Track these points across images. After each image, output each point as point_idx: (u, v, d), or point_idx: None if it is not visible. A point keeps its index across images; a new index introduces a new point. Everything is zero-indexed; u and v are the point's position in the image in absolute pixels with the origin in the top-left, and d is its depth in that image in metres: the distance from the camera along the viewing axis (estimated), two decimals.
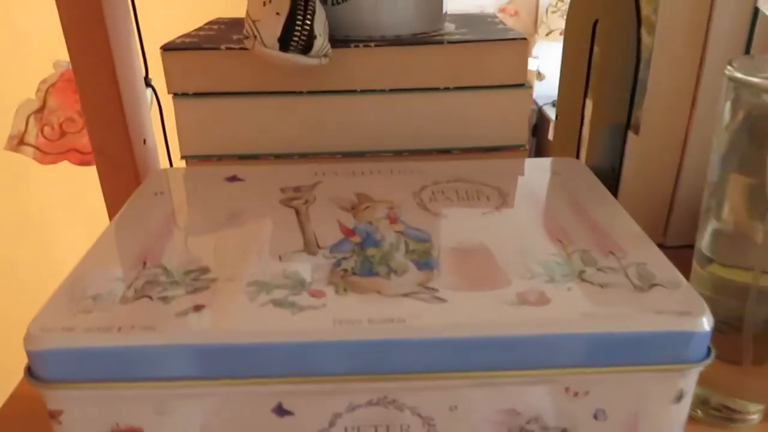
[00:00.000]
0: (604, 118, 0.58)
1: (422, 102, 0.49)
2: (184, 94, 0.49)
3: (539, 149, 1.81)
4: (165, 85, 0.49)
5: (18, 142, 0.70)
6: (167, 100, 0.57)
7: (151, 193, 0.41)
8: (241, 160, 0.50)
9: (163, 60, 0.48)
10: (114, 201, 0.63)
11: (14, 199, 0.98)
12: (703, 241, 0.37)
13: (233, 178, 0.43)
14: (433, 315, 0.28)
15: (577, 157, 0.64)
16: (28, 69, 0.70)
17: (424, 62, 0.48)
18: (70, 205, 1.08)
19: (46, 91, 0.69)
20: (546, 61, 1.83)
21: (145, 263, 0.32)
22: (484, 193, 0.40)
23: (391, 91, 0.48)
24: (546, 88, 1.79)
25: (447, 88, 0.48)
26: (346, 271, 0.31)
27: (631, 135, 0.53)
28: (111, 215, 0.62)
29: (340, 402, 0.28)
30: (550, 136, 2.04)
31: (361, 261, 0.32)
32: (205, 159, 0.50)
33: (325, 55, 0.44)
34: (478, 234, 0.35)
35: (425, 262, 0.32)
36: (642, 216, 0.52)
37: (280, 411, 0.29)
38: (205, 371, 0.27)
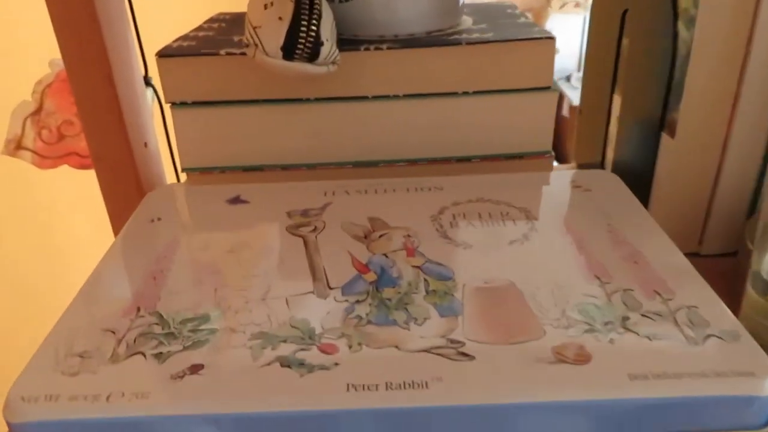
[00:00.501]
0: (635, 116, 0.54)
1: (439, 108, 0.45)
2: (183, 104, 0.45)
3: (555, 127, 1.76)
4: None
5: (15, 147, 0.67)
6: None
7: (146, 220, 0.37)
8: (246, 173, 0.46)
9: (158, 67, 0.45)
10: (116, 209, 0.60)
11: (18, 201, 0.95)
12: (764, 265, 0.33)
13: (236, 200, 0.39)
14: (458, 377, 0.25)
15: (603, 155, 0.60)
16: (22, 69, 0.67)
17: (441, 65, 0.44)
18: (76, 205, 1.06)
19: (42, 92, 0.66)
20: (560, 34, 1.76)
21: (138, 309, 0.29)
22: (511, 216, 0.36)
23: (406, 96, 0.45)
24: (559, 62, 1.74)
25: (466, 93, 0.45)
26: (360, 318, 0.28)
27: (665, 137, 0.49)
28: (113, 224, 0.59)
29: None
30: (565, 111, 1.98)
31: (376, 305, 0.29)
32: (207, 171, 0.47)
33: (333, 62, 0.40)
34: (506, 269, 0.31)
35: (448, 306, 0.29)
36: (676, 223, 0.48)
37: None
38: None
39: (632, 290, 0.29)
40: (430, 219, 0.36)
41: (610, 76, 0.57)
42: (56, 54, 0.65)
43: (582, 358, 0.26)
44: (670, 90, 0.48)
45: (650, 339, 0.26)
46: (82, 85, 0.55)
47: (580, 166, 0.65)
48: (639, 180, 0.52)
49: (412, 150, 0.46)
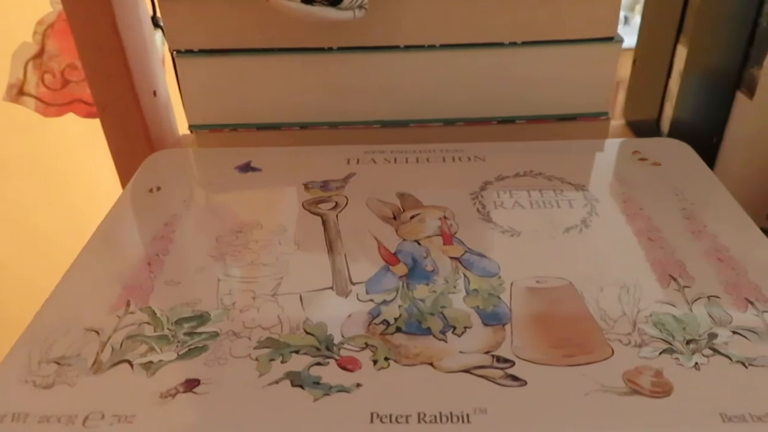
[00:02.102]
0: (703, 70, 0.47)
1: (481, 60, 0.39)
2: (189, 52, 0.40)
3: None
4: None
5: (18, 92, 0.62)
6: None
7: (144, 190, 0.33)
8: (260, 132, 0.41)
9: (161, 10, 0.39)
10: (123, 164, 0.55)
11: (31, 148, 0.91)
12: None
13: (247, 167, 0.34)
14: (506, 409, 0.20)
15: (659, 113, 0.53)
16: (22, 7, 0.62)
17: (484, 10, 0.37)
18: (89, 152, 1.02)
19: (44, 33, 0.60)
20: None
21: (128, 303, 0.25)
22: (566, 196, 0.31)
23: (443, 47, 0.39)
24: None
25: (513, 43, 0.38)
26: (387, 325, 0.24)
27: (740, 97, 0.42)
28: (122, 180, 0.55)
29: None
30: None
31: (407, 308, 0.24)
32: (217, 130, 0.41)
33: (360, 6, 0.34)
34: (562, 264, 0.26)
35: (493, 312, 0.24)
36: (745, 195, 0.42)
37: None
38: None
39: (718, 297, 0.24)
40: (470, 197, 0.31)
41: (676, 22, 0.50)
42: None
43: (660, 389, 0.21)
44: (752, 41, 0.41)
45: (745, 365, 0.21)
46: (82, 26, 0.50)
47: (630, 123, 0.58)
48: (702, 144, 0.46)
49: (448, 109, 0.41)
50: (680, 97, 0.50)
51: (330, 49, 0.39)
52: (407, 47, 0.39)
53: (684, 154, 0.34)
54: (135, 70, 0.51)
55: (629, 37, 0.48)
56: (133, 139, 0.54)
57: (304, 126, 0.41)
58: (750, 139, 0.42)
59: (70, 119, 0.65)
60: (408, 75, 0.40)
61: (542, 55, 0.39)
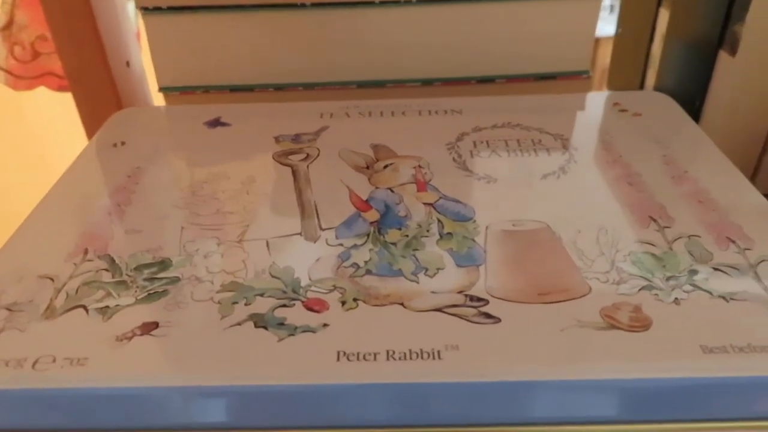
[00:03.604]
0: (686, 33, 0.47)
1: (459, 16, 0.38)
2: (157, 9, 0.38)
3: None
4: None
5: None
6: None
7: (108, 145, 0.32)
8: (232, 93, 0.40)
9: None
10: None
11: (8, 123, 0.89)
12: None
13: (216, 123, 0.33)
14: (479, 345, 0.19)
15: (642, 81, 0.53)
16: None
17: None
18: (61, 127, 0.99)
19: (12, 3, 0.59)
20: None
21: (86, 251, 0.24)
22: (544, 144, 0.30)
23: (419, 2, 0.38)
24: None
25: None
26: (357, 267, 0.23)
27: (723, 55, 0.42)
28: None
29: None
30: None
31: (377, 251, 0.23)
32: (188, 92, 0.40)
33: None
34: (539, 209, 0.25)
35: (467, 254, 0.23)
36: (729, 153, 0.42)
37: None
38: (155, 425, 0.19)
39: (699, 237, 0.23)
40: (446, 147, 0.30)
41: None
42: None
43: (639, 323, 0.20)
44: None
45: (726, 300, 0.21)
46: None
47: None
48: (687, 107, 0.45)
49: (425, 68, 0.40)
50: (663, 61, 0.50)
51: (303, 5, 0.38)
52: (382, 2, 0.38)
53: (666, 105, 0.33)
54: (106, 39, 0.50)
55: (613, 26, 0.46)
56: (105, 111, 0.52)
57: (278, 87, 0.40)
58: (733, 97, 0.42)
59: (45, 94, 0.63)
60: (384, 32, 0.39)
61: (522, 11, 0.38)
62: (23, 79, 0.61)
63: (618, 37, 0.57)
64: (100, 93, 0.51)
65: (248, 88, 0.40)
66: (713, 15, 0.43)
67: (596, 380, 0.19)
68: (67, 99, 0.57)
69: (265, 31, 0.39)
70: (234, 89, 0.40)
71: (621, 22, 0.56)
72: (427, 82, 0.40)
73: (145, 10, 0.39)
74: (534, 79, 0.40)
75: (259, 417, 0.19)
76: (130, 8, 0.53)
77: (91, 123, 0.53)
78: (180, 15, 0.38)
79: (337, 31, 0.38)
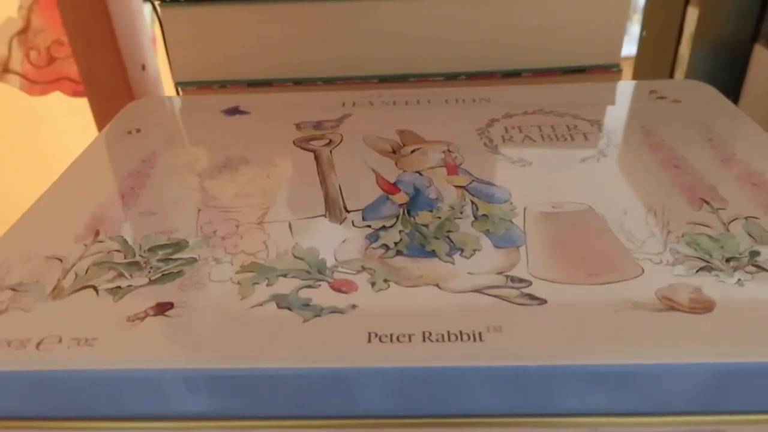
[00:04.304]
0: (717, 31, 0.45)
1: (483, 7, 0.37)
2: (174, 1, 0.38)
3: None
4: None
5: (2, 70, 0.60)
6: None
7: (122, 132, 0.30)
8: (250, 88, 0.39)
9: None
10: None
11: (8, 134, 0.88)
12: None
13: (234, 111, 0.32)
14: (524, 327, 0.18)
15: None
16: None
17: None
18: (74, 132, 0.98)
19: (29, 8, 0.58)
20: None
21: (97, 233, 0.23)
22: (579, 129, 0.28)
23: None
24: None
25: None
26: (387, 248, 0.21)
27: (758, 49, 0.40)
28: None
29: None
30: None
31: (408, 233, 0.22)
32: (205, 86, 0.39)
33: None
34: (579, 191, 0.24)
35: (505, 235, 0.21)
36: None
37: None
38: (168, 408, 0.18)
39: (757, 218, 0.22)
40: (476, 132, 0.28)
41: None
42: None
43: (700, 305, 0.18)
44: None
45: None
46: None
47: None
48: None
49: (449, 62, 0.38)
50: (692, 61, 0.48)
51: None
52: None
53: (705, 92, 0.31)
54: (122, 42, 0.49)
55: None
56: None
57: (297, 81, 0.39)
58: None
59: (59, 99, 0.63)
60: (407, 25, 0.37)
61: (549, 1, 0.36)
62: (38, 84, 0.60)
63: (643, 40, 0.56)
64: (115, 96, 0.50)
65: (266, 83, 0.39)
66: (746, 9, 0.42)
67: (654, 365, 0.17)
68: (81, 104, 0.56)
69: (284, 23, 0.38)
70: (252, 83, 0.39)
71: (645, 24, 0.55)
72: (452, 77, 0.39)
73: (162, 2, 0.38)
74: (562, 73, 0.38)
75: (282, 404, 0.17)
76: (147, 12, 0.53)
77: (105, 125, 0.52)
78: (196, 7, 0.37)
79: (359, 23, 0.37)
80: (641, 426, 0.18)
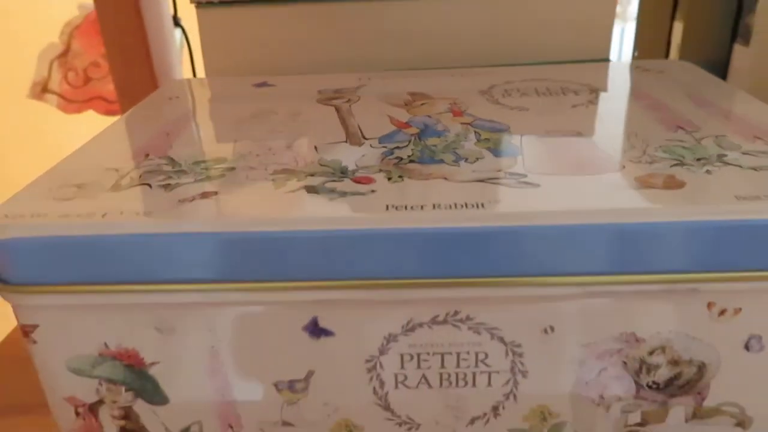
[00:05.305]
0: (699, 44, 0.49)
1: (487, 8, 0.41)
2: (209, 3, 0.42)
3: None
4: (196, 24, 0.43)
5: (41, 90, 0.65)
6: (198, 42, 0.52)
7: (164, 98, 0.34)
8: None
9: None
10: None
11: (43, 149, 0.93)
12: None
13: (262, 84, 0.36)
14: (523, 201, 0.21)
15: None
16: (51, 13, 0.66)
17: None
18: None
19: (70, 33, 0.64)
20: None
21: (147, 154, 0.26)
22: (571, 89, 0.32)
23: None
24: None
25: None
26: (401, 159, 0.24)
27: (737, 48, 0.44)
28: None
29: (395, 318, 0.21)
30: None
31: (419, 150, 0.25)
32: None
33: None
34: (571, 127, 0.27)
35: (505, 149, 0.25)
36: None
37: (315, 330, 0.21)
38: (216, 271, 0.20)
39: (726, 136, 0.25)
40: (479, 92, 0.32)
41: (670, 5, 0.52)
42: None
43: (674, 184, 0.21)
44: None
45: (756, 170, 0.22)
46: (111, 21, 0.53)
47: None
48: None
49: (455, 56, 0.42)
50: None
51: None
52: None
53: (691, 69, 0.35)
54: (156, 61, 0.54)
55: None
56: None
57: None
58: (751, 84, 0.44)
59: (92, 118, 0.67)
60: (417, 23, 0.42)
61: (543, 2, 0.41)
62: (74, 102, 0.65)
63: (636, 52, 0.60)
64: None
65: None
66: (726, 21, 0.46)
67: (634, 223, 0.19)
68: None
69: (308, 21, 0.42)
70: None
71: (637, 43, 0.60)
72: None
73: (199, 3, 0.42)
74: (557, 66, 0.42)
75: (317, 266, 0.20)
76: (177, 33, 0.58)
77: None
78: (230, 8, 0.42)
79: (377, 21, 0.42)
80: (627, 284, 0.20)
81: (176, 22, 0.58)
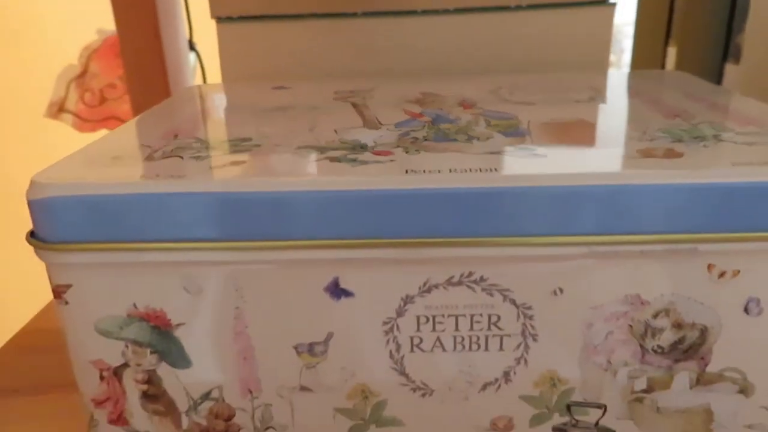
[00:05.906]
0: (691, 65, 0.52)
1: (490, 24, 0.43)
2: (229, 19, 0.44)
3: None
4: (209, 49, 0.46)
5: (58, 109, 0.67)
6: (210, 65, 0.54)
7: (186, 98, 0.36)
8: None
9: None
10: None
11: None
12: None
13: (281, 87, 0.38)
14: (533, 169, 0.22)
15: None
16: (72, 37, 0.69)
17: None
18: None
19: (89, 56, 0.66)
20: None
21: (176, 135, 0.27)
22: (575, 89, 0.34)
23: (456, 11, 0.43)
24: None
25: (519, 7, 0.43)
26: (416, 139, 0.26)
27: (729, 67, 0.46)
28: None
29: (412, 279, 0.22)
30: None
31: (434, 132, 0.26)
32: None
33: None
34: (574, 115, 0.29)
35: (513, 131, 0.26)
36: None
37: (336, 290, 0.22)
38: (243, 230, 0.22)
39: (721, 122, 0.26)
40: (487, 91, 0.34)
41: (664, 27, 0.55)
42: (103, 24, 0.66)
43: (673, 154, 0.22)
44: (733, 14, 0.46)
45: (749, 145, 0.23)
46: (131, 44, 0.56)
47: None
48: None
49: (461, 69, 0.44)
50: None
51: (355, 14, 0.44)
52: (424, 12, 0.43)
53: (686, 77, 0.37)
54: (172, 83, 0.57)
55: None
56: None
57: None
58: None
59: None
60: (425, 37, 0.44)
61: (544, 18, 0.43)
62: (89, 122, 0.67)
63: None
64: None
65: None
66: (716, 42, 0.48)
67: (636, 185, 0.21)
68: None
69: (319, 36, 0.44)
70: None
71: (633, 64, 0.62)
72: None
73: (219, 19, 0.45)
74: None
75: (338, 226, 0.21)
76: (192, 57, 0.61)
77: None
78: (247, 22, 0.44)
79: (384, 35, 0.44)
80: (630, 244, 0.21)
81: (191, 47, 0.60)
